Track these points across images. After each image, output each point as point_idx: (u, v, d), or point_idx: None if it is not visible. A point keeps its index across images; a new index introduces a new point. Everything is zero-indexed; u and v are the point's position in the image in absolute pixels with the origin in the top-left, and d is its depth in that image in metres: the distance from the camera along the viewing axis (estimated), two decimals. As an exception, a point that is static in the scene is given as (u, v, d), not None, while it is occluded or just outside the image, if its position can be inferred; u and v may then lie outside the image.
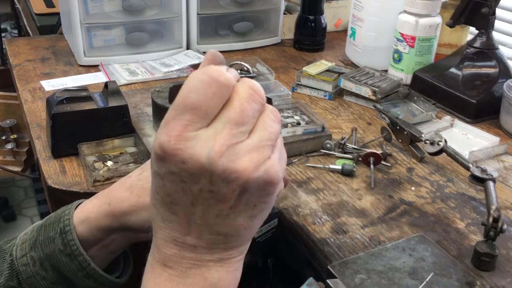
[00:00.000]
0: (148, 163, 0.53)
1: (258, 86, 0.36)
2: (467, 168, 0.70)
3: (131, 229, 0.51)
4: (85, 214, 0.52)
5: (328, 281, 0.55)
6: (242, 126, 0.34)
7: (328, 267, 0.58)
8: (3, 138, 1.94)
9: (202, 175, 0.34)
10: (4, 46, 1.42)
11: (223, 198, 0.35)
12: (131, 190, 0.51)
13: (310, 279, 0.56)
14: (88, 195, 0.67)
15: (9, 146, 1.91)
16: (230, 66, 0.42)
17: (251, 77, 0.37)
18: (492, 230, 0.59)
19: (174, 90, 0.37)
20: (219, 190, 0.34)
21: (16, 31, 3.06)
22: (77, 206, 0.54)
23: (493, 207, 0.60)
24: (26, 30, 1.93)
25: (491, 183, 0.65)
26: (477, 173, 0.67)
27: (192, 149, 0.33)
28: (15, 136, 1.94)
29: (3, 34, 2.98)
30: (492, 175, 0.66)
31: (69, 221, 0.51)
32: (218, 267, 0.38)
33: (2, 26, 2.99)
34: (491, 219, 0.59)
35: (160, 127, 0.35)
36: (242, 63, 0.48)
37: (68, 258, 0.50)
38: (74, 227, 0.51)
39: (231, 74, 0.35)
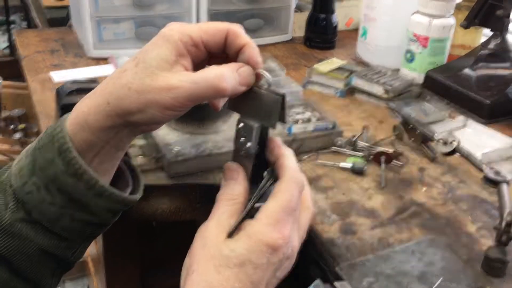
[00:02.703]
0: (141, 51, 0.47)
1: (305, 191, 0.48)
2: (481, 170, 0.69)
3: (138, 124, 0.47)
4: (82, 118, 0.46)
5: (336, 283, 0.54)
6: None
7: (336, 269, 0.57)
8: (12, 127, 1.94)
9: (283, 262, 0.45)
10: (13, 37, 1.42)
11: (278, 270, 0.45)
12: (128, 86, 0.45)
13: (317, 281, 0.55)
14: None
15: (17, 135, 1.91)
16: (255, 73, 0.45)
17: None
18: (505, 235, 0.58)
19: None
20: (281, 266, 0.45)
21: (25, 23, 3.07)
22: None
23: (506, 211, 0.58)
24: (35, 23, 1.93)
25: (505, 186, 0.64)
26: (491, 175, 0.65)
27: (293, 243, 0.45)
28: (24, 126, 1.94)
29: (12, 26, 2.99)
30: (506, 178, 0.65)
31: (65, 138, 0.46)
32: None
33: (11, 18, 3.00)
34: (503, 224, 0.57)
35: (268, 220, 0.44)
36: (266, 74, 0.50)
37: (74, 179, 0.46)
38: (72, 141, 0.46)
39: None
